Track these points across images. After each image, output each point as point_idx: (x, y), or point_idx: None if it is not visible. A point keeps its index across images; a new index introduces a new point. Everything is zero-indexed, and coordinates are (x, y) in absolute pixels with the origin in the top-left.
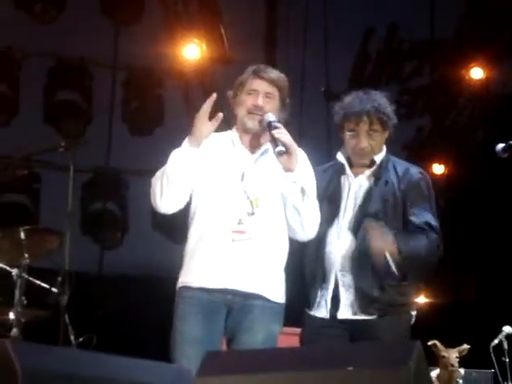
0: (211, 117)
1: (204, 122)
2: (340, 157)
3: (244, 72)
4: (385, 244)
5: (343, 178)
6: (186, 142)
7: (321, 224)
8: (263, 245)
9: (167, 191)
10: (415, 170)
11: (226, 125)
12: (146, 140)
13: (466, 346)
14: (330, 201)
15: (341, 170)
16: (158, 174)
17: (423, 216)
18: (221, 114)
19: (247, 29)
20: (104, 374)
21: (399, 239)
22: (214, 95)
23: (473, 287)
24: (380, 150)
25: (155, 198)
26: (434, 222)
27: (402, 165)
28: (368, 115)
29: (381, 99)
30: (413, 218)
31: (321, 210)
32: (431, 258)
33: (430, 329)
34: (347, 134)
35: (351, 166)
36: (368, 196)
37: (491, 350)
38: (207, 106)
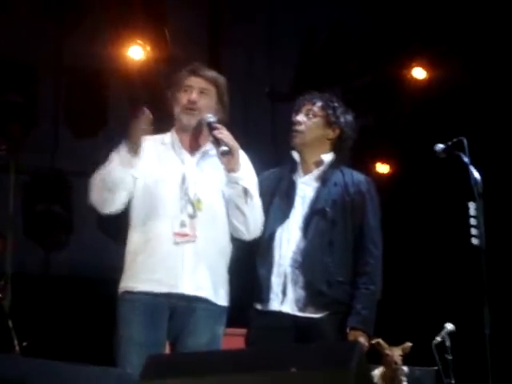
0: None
1: (139, 128)
2: (294, 154)
3: (181, 71)
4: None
5: (295, 176)
6: (124, 150)
7: (272, 220)
8: (207, 247)
9: (105, 196)
10: (362, 177)
11: (167, 126)
12: (91, 141)
13: (408, 344)
14: (281, 197)
15: (293, 168)
16: (96, 176)
17: (375, 243)
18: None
19: (191, 29)
20: (45, 379)
21: (366, 325)
22: (147, 112)
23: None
24: (316, 140)
25: (94, 200)
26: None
27: (347, 170)
28: (313, 99)
29: (336, 100)
30: (371, 247)
31: (272, 207)
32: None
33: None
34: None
35: (303, 164)
36: (316, 194)
37: (434, 348)
38: (146, 119)
